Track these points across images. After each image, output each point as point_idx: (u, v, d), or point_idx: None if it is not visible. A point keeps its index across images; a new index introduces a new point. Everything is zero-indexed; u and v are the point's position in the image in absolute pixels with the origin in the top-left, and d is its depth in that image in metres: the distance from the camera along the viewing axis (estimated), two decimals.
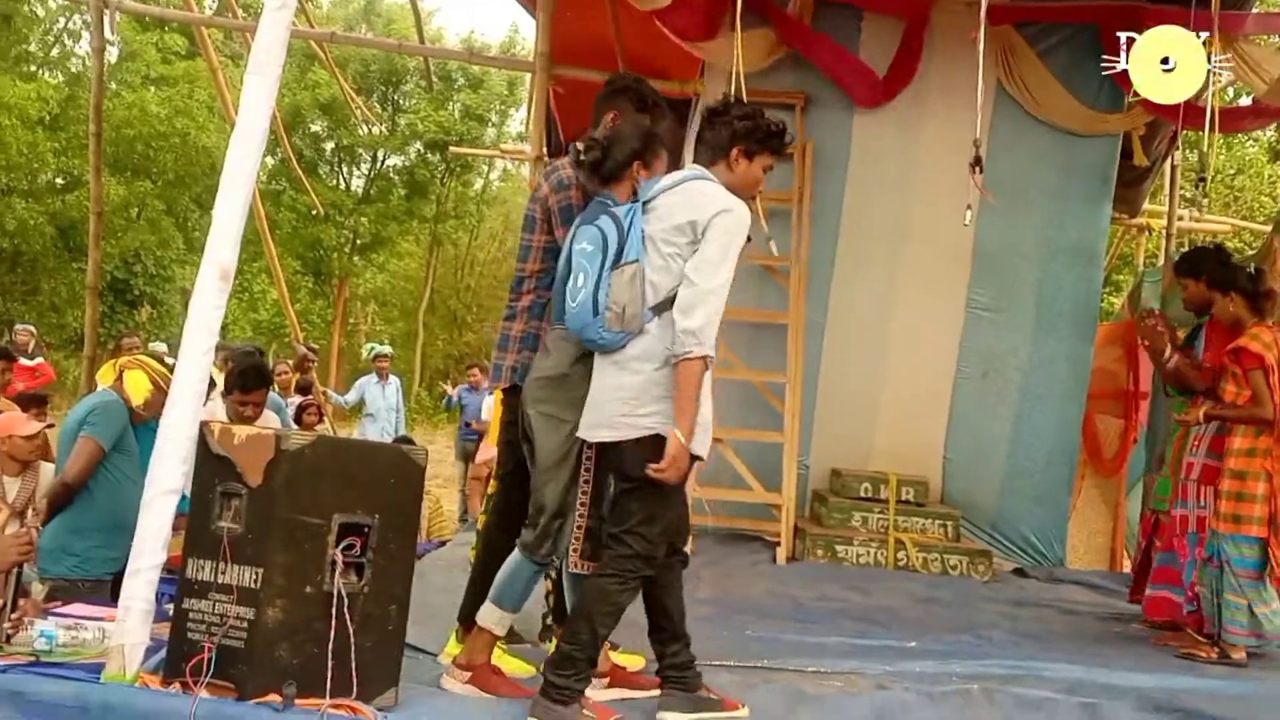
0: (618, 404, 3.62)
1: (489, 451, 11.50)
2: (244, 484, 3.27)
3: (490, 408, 12.13)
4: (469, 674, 3.78)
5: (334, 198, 28.66)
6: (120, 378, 4.92)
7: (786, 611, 5.58)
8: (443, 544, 7.72)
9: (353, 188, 31.11)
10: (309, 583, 3.25)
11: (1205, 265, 5.74)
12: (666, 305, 3.59)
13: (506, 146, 18.78)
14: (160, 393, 4.79)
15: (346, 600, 3.26)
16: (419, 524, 3.56)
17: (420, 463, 3.52)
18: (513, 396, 4.16)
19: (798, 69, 7.72)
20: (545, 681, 3.50)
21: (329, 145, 30.00)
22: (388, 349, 13.97)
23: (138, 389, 4.88)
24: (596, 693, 3.78)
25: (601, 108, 4.37)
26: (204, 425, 3.40)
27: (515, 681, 3.85)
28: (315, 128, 28.89)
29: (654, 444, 3.54)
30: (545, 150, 9.26)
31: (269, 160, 27.10)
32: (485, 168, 32.21)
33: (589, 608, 3.61)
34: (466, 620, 4.10)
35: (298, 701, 3.15)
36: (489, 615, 3.86)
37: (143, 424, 4.85)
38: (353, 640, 3.25)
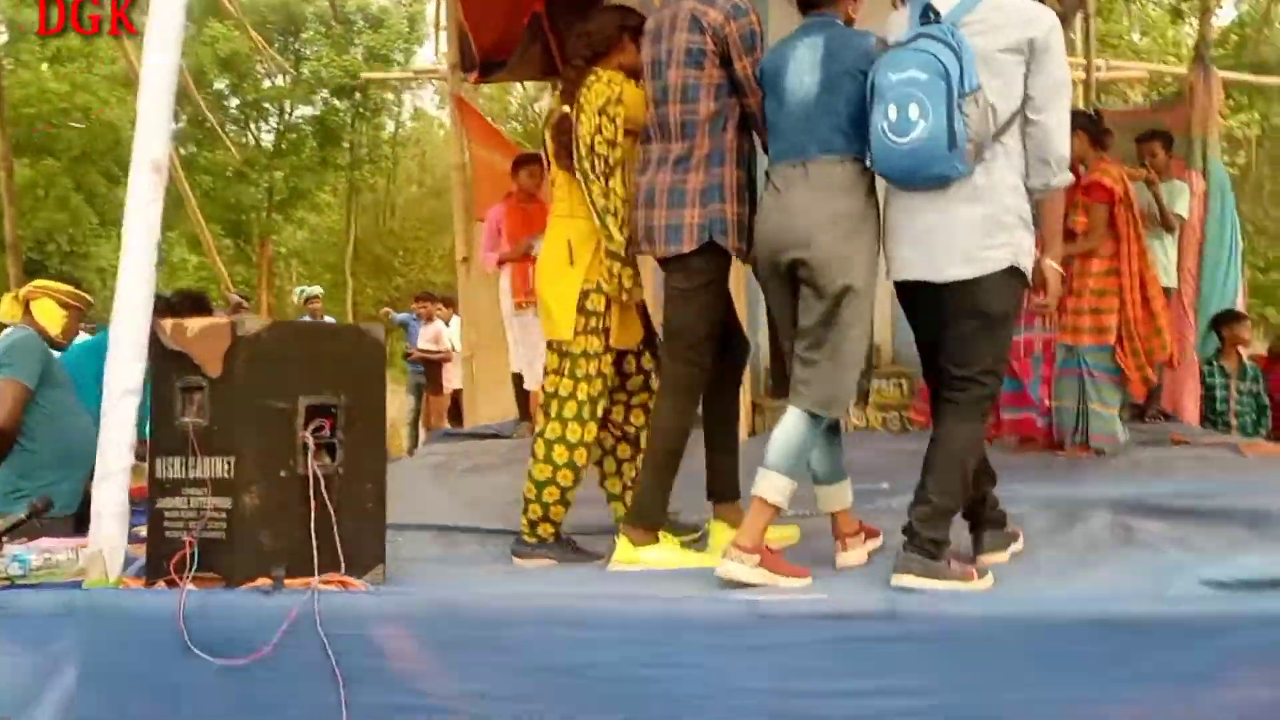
0: (973, 236, 3.41)
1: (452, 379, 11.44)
2: (204, 376, 3.20)
3: (442, 337, 12.02)
4: (758, 557, 3.40)
5: (247, 155, 28.13)
6: (27, 310, 4.76)
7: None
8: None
9: (263, 143, 30.53)
10: (283, 467, 3.21)
11: None
12: (1004, 129, 3.42)
13: (420, 67, 18.46)
14: (74, 312, 4.69)
15: (323, 481, 3.23)
16: (385, 401, 3.51)
17: (380, 340, 3.48)
18: (700, 257, 3.84)
19: None
20: (916, 536, 3.36)
21: (234, 102, 29.37)
22: (318, 289, 13.82)
23: (50, 317, 4.73)
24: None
25: None
26: (155, 323, 3.33)
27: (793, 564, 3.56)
28: (219, 85, 28.24)
29: (1008, 276, 3.44)
30: (461, 64, 9.11)
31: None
32: (396, 109, 31.76)
33: (959, 454, 3.47)
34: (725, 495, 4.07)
35: (287, 583, 3.11)
36: (771, 485, 3.49)
37: (67, 350, 4.74)
38: (334, 520, 3.21)
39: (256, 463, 3.18)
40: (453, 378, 11.74)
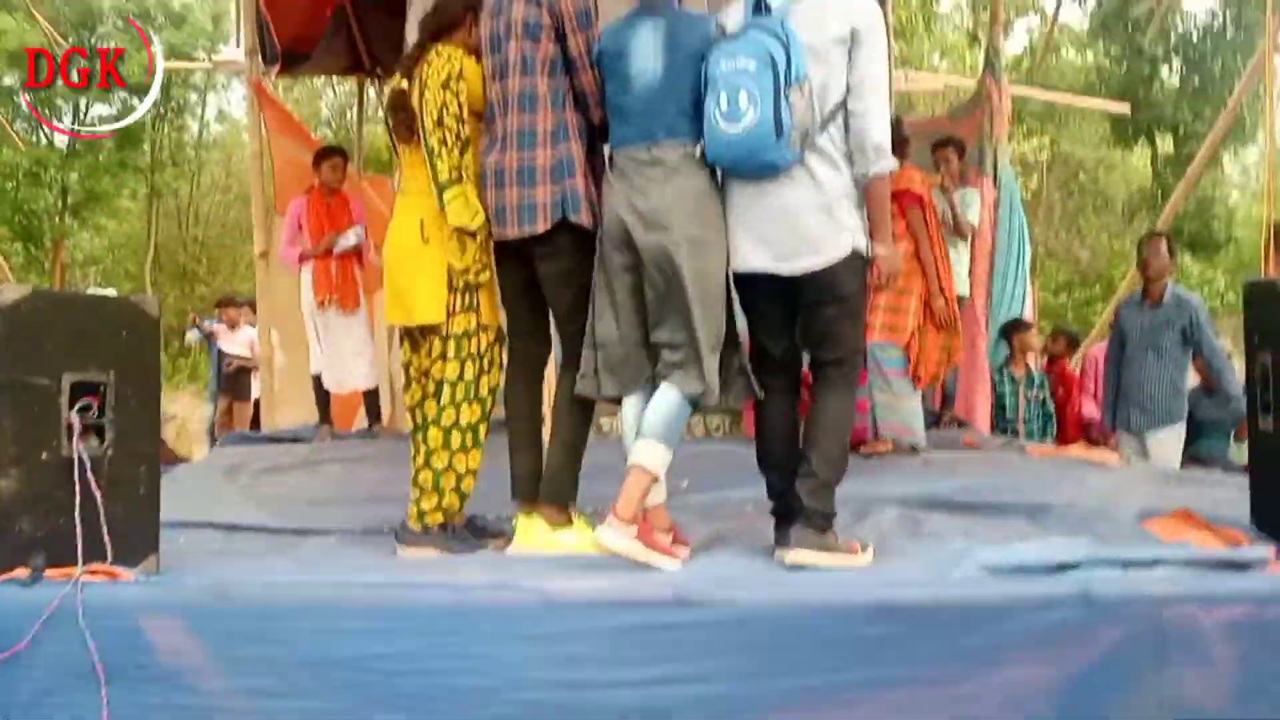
0: (816, 225, 3.50)
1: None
2: None
3: (249, 343, 11.55)
4: (635, 528, 3.42)
5: (37, 155, 26.83)
6: None
7: None
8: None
9: (56, 144, 29.14)
10: (45, 449, 3.01)
11: None
12: (831, 116, 3.50)
13: (219, 58, 17.91)
14: None
15: (89, 464, 3.04)
16: (159, 380, 3.33)
17: (153, 313, 3.30)
18: (564, 236, 3.80)
19: None
20: (808, 510, 3.46)
21: (24, 98, 27.95)
22: (111, 291, 13.17)
23: None
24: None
25: None
26: None
27: (666, 543, 3.56)
28: (8, 80, 26.87)
29: (853, 259, 3.53)
30: (262, 57, 8.84)
31: None
32: (200, 109, 30.78)
33: (838, 426, 3.61)
34: (533, 495, 3.92)
35: (48, 572, 2.93)
36: (652, 454, 3.51)
37: None
38: (101, 506, 3.04)
39: (16, 443, 2.98)
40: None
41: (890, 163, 3.58)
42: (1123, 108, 15.85)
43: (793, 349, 3.83)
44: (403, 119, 4.03)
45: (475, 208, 3.91)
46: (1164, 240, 6.79)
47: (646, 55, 3.67)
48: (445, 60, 3.94)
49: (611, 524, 3.42)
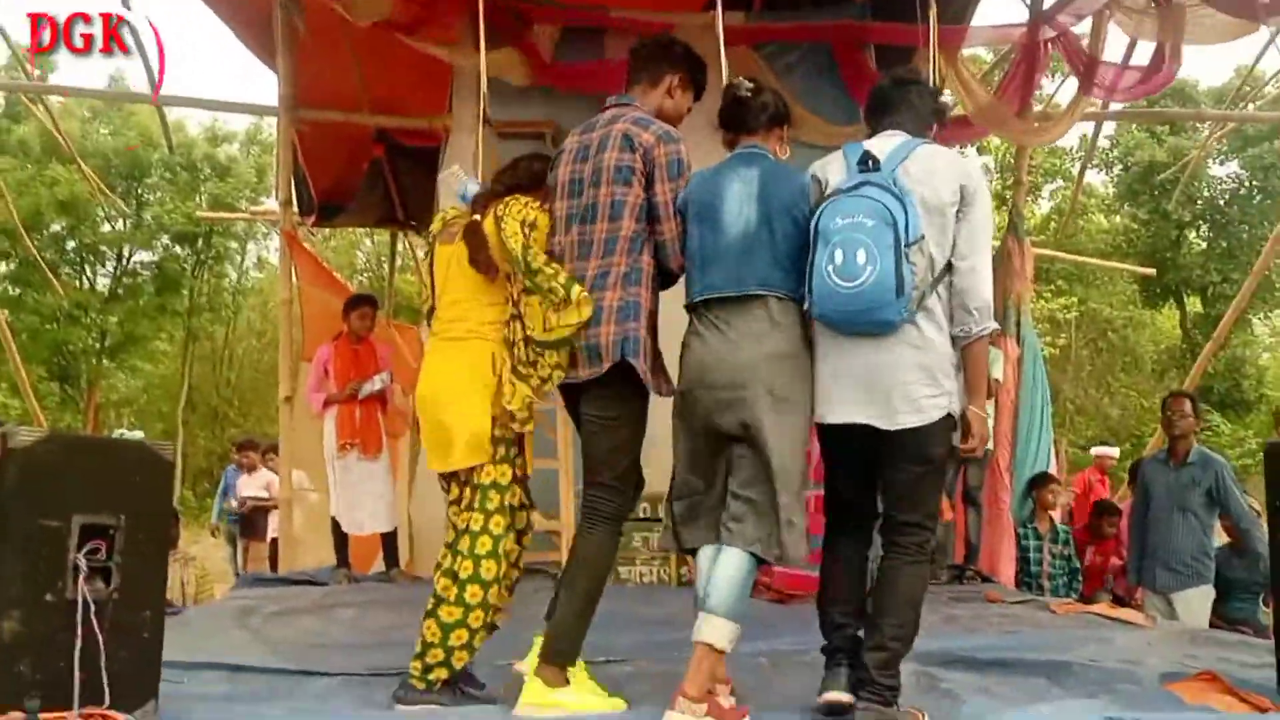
0: (919, 384, 3.40)
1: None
2: None
3: (266, 485, 11.55)
4: (705, 705, 3.36)
5: (79, 298, 27.32)
6: None
7: None
8: None
9: (99, 287, 29.72)
10: (50, 590, 3.01)
11: None
12: (940, 277, 3.43)
13: (256, 208, 18.29)
14: None
15: (94, 607, 3.03)
16: (171, 526, 3.34)
17: (168, 459, 3.31)
18: (616, 386, 3.66)
19: (548, 95, 7.67)
20: (874, 683, 3.36)
21: (70, 244, 28.63)
22: (139, 434, 13.25)
23: None
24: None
25: (660, 67, 3.95)
26: None
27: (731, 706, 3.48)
28: (56, 227, 27.53)
29: (945, 422, 3.45)
30: (297, 207, 9.03)
31: (2, 266, 25.92)
32: (240, 257, 31.39)
33: (915, 599, 3.48)
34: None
35: (43, 716, 2.89)
36: (719, 631, 3.41)
37: None
38: (103, 649, 3.01)
39: (21, 584, 2.98)
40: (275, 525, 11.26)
41: (992, 324, 3.52)
42: (1149, 272, 15.88)
43: (872, 500, 3.70)
44: (477, 243, 3.93)
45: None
46: (1187, 400, 6.75)
47: (740, 204, 3.61)
48: (523, 205, 3.91)
49: (680, 705, 3.33)
